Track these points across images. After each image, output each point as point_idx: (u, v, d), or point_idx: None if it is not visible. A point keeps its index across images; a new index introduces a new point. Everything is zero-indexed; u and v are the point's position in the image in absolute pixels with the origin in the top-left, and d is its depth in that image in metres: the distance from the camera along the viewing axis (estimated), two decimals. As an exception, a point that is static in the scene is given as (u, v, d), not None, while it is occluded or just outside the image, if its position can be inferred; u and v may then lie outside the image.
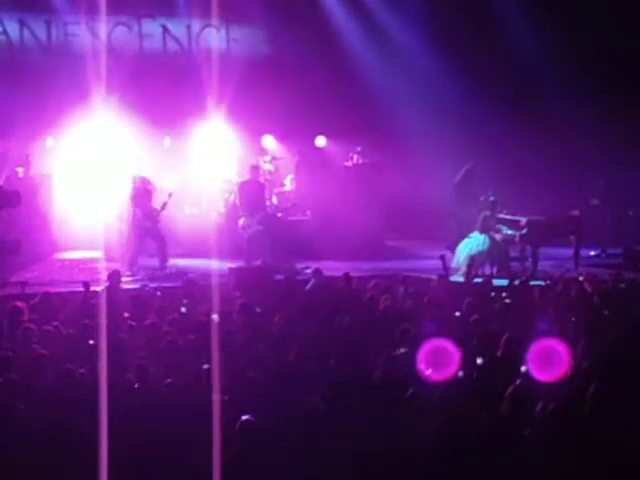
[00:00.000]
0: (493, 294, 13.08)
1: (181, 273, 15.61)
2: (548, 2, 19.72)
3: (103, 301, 11.18)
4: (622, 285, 13.39)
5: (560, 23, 19.37)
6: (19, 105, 17.55)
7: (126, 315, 11.55)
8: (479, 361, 9.38)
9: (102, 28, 19.22)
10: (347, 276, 13.61)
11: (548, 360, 8.47)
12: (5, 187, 16.02)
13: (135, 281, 15.52)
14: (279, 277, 14.71)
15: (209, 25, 20.11)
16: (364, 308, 12.00)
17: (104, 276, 13.68)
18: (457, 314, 11.63)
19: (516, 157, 19.69)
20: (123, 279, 14.92)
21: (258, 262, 16.54)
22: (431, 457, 7.15)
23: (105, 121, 18.71)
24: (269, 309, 11.83)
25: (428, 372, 8.47)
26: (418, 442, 7.38)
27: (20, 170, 18.03)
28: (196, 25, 20.32)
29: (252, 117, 19.20)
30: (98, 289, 12.60)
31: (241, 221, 17.24)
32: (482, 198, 17.01)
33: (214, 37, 20.14)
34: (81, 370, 8.94)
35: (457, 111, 19.65)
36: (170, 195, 16.87)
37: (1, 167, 17.29)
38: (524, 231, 16.55)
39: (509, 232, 16.68)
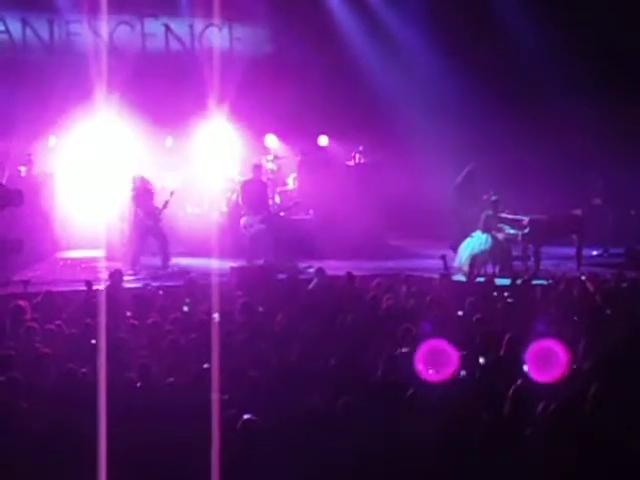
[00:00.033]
0: (495, 293, 13.10)
1: (183, 272, 15.63)
2: (548, 0, 19.72)
3: (103, 300, 11.19)
4: (624, 284, 13.39)
5: (560, 21, 19.36)
6: (21, 104, 17.56)
7: (128, 314, 11.56)
8: (481, 361, 9.39)
9: (104, 27, 19.21)
10: (350, 275, 13.62)
11: (546, 361, 8.47)
12: (7, 186, 16.02)
13: (137, 280, 15.52)
14: (281, 276, 14.71)
15: (211, 24, 20.10)
16: (367, 307, 12.01)
17: (106, 275, 13.69)
18: (459, 313, 11.66)
19: (517, 156, 19.69)
20: (125, 278, 14.94)
21: (260, 261, 16.55)
22: (432, 457, 7.16)
23: (107, 120, 18.70)
24: (271, 308, 11.83)
25: (426, 373, 8.47)
26: (419, 442, 7.39)
27: (22, 169, 18.02)
28: (198, 24, 20.33)
29: (254, 116, 19.21)
30: (100, 288, 12.61)
31: (243, 220, 17.24)
32: (484, 197, 17.01)
33: (216, 36, 20.14)
34: (83, 369, 8.94)
35: (458, 110, 19.65)
36: (172, 194, 16.89)
37: (3, 166, 17.31)
38: (526, 230, 16.55)
39: (511, 231, 16.69)
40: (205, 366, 8.85)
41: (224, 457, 7.08)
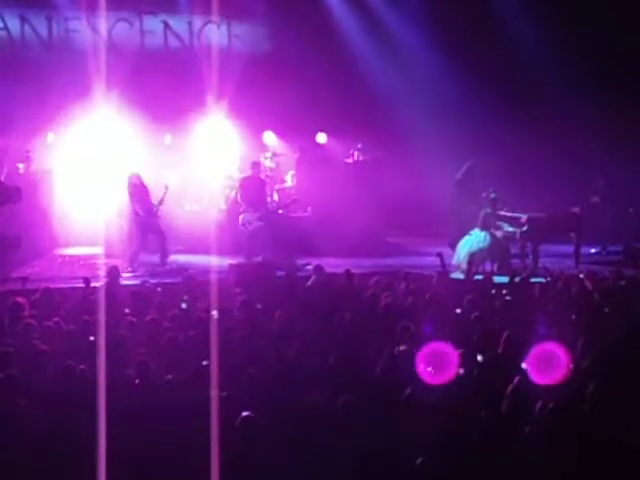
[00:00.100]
0: (494, 291, 13.09)
1: (182, 269, 15.61)
2: (548, 0, 19.72)
3: (102, 297, 11.18)
4: (622, 282, 13.40)
5: (560, 21, 19.38)
6: (20, 101, 17.54)
7: (127, 311, 11.56)
8: (479, 358, 9.40)
9: (103, 24, 19.21)
10: (348, 273, 13.62)
11: (547, 364, 8.47)
12: (6, 183, 16.02)
13: (136, 277, 15.52)
14: (280, 273, 14.70)
15: (210, 22, 20.11)
16: (365, 305, 12.00)
17: (104, 272, 13.68)
18: (458, 311, 11.65)
19: (516, 155, 19.71)
20: (124, 275, 14.96)
21: (259, 258, 16.54)
22: (431, 455, 7.16)
23: (106, 117, 18.70)
24: (270, 305, 11.83)
25: (427, 375, 8.47)
26: (418, 439, 7.39)
27: (21, 166, 18.02)
28: (197, 21, 20.32)
29: (253, 114, 19.21)
30: (98, 285, 12.60)
31: (242, 217, 17.22)
32: (483, 195, 17.02)
33: (215, 33, 20.14)
34: (82, 366, 8.94)
35: (457, 108, 19.66)
36: (166, 188, 16.79)
37: (2, 163, 17.30)
38: (525, 228, 16.56)
39: (510, 229, 16.70)
40: (204, 363, 8.84)
41: (223, 454, 7.08)
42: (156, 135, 19.06)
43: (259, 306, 11.90)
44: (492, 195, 16.78)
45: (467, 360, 9.07)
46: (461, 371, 8.82)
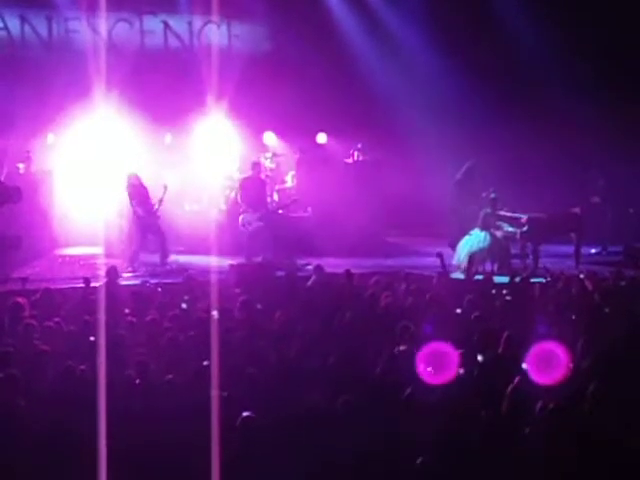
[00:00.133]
0: (494, 291, 13.09)
1: (182, 269, 15.63)
2: (548, 0, 19.71)
3: (101, 297, 11.18)
4: (623, 283, 13.39)
5: (560, 20, 19.37)
6: (20, 101, 17.53)
7: (127, 311, 11.56)
8: (480, 358, 9.39)
9: (103, 24, 19.19)
10: (348, 273, 13.62)
11: (547, 363, 8.47)
12: (6, 183, 16.02)
13: (136, 277, 15.52)
14: (280, 274, 14.70)
15: (210, 22, 20.10)
16: (365, 305, 12.00)
17: (104, 272, 13.68)
18: (458, 311, 11.65)
19: (516, 154, 19.71)
20: (124, 275, 14.97)
21: (259, 259, 16.55)
22: (431, 455, 7.15)
23: (106, 117, 18.70)
24: (270, 306, 11.83)
25: (427, 375, 8.47)
26: (418, 440, 7.39)
27: (21, 166, 18.02)
28: (197, 21, 20.31)
29: (253, 114, 19.21)
30: (98, 285, 12.60)
31: (242, 218, 17.22)
32: (483, 195, 17.02)
33: (215, 34, 20.13)
34: (82, 366, 8.94)
35: (457, 108, 19.65)
36: (165, 188, 16.78)
37: (2, 163, 17.30)
38: (525, 228, 16.56)
39: (510, 229, 16.70)
40: (204, 363, 8.84)
41: (223, 454, 7.08)
42: (156, 135, 19.05)
43: (259, 306, 11.91)
44: (492, 195, 16.78)
45: (467, 360, 9.07)
46: (461, 371, 8.82)
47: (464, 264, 15.78)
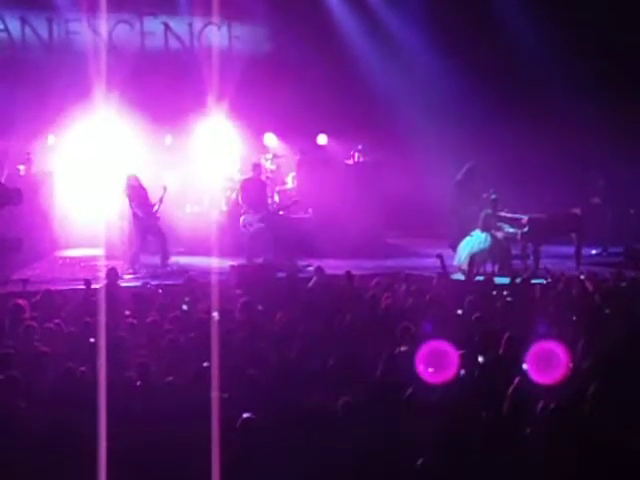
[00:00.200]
0: (494, 292, 13.09)
1: (182, 271, 15.62)
2: (548, 0, 19.71)
3: (102, 299, 11.18)
4: (623, 284, 13.39)
5: (560, 20, 19.37)
6: (20, 103, 17.54)
7: (127, 313, 11.55)
8: (480, 359, 9.39)
9: (104, 26, 19.20)
10: (349, 274, 13.62)
11: (547, 363, 8.47)
12: (6, 185, 16.02)
13: (136, 279, 15.52)
14: (281, 275, 14.71)
15: (211, 23, 20.10)
16: (366, 306, 12.00)
17: (104, 274, 13.68)
18: (459, 312, 11.65)
19: (516, 154, 19.71)
20: (125, 277, 14.97)
21: (260, 260, 16.55)
22: (432, 456, 7.15)
23: (106, 119, 18.71)
24: (271, 307, 11.83)
25: (427, 374, 8.47)
26: (419, 441, 7.38)
27: (21, 168, 18.02)
28: (198, 23, 20.32)
29: (253, 115, 19.21)
30: (98, 287, 12.60)
31: (243, 219, 17.23)
32: (484, 196, 17.02)
33: (215, 35, 20.14)
34: (82, 368, 8.94)
35: (457, 108, 19.65)
36: (164, 189, 16.77)
37: (2, 165, 17.30)
38: (525, 229, 16.56)
39: (510, 230, 16.70)
40: (204, 365, 8.84)
41: (224, 455, 7.08)
42: (156, 136, 19.05)
43: (260, 307, 11.90)
44: (493, 196, 16.78)
45: (468, 361, 9.07)
46: (462, 372, 8.82)
47: (465, 265, 15.78)
